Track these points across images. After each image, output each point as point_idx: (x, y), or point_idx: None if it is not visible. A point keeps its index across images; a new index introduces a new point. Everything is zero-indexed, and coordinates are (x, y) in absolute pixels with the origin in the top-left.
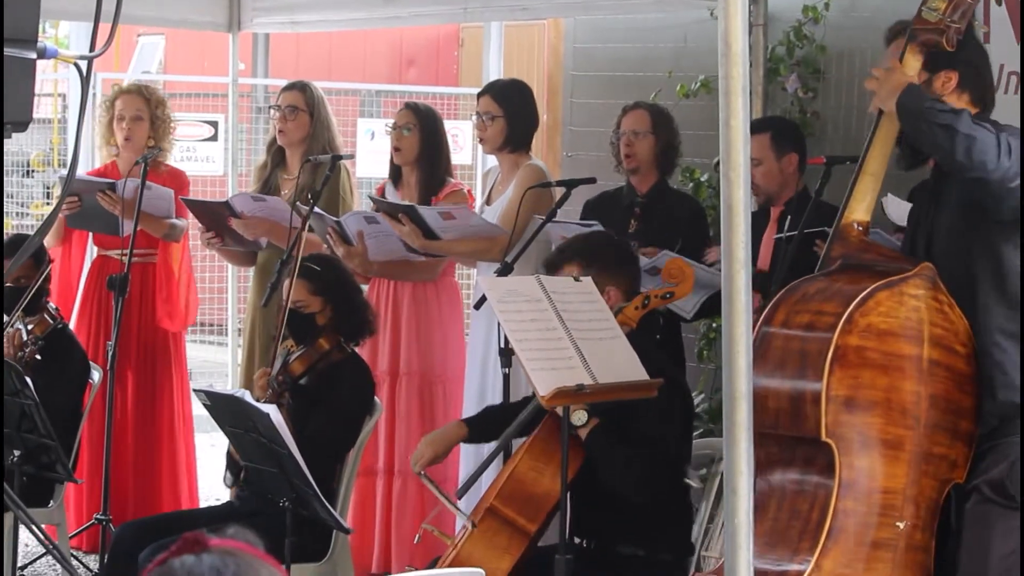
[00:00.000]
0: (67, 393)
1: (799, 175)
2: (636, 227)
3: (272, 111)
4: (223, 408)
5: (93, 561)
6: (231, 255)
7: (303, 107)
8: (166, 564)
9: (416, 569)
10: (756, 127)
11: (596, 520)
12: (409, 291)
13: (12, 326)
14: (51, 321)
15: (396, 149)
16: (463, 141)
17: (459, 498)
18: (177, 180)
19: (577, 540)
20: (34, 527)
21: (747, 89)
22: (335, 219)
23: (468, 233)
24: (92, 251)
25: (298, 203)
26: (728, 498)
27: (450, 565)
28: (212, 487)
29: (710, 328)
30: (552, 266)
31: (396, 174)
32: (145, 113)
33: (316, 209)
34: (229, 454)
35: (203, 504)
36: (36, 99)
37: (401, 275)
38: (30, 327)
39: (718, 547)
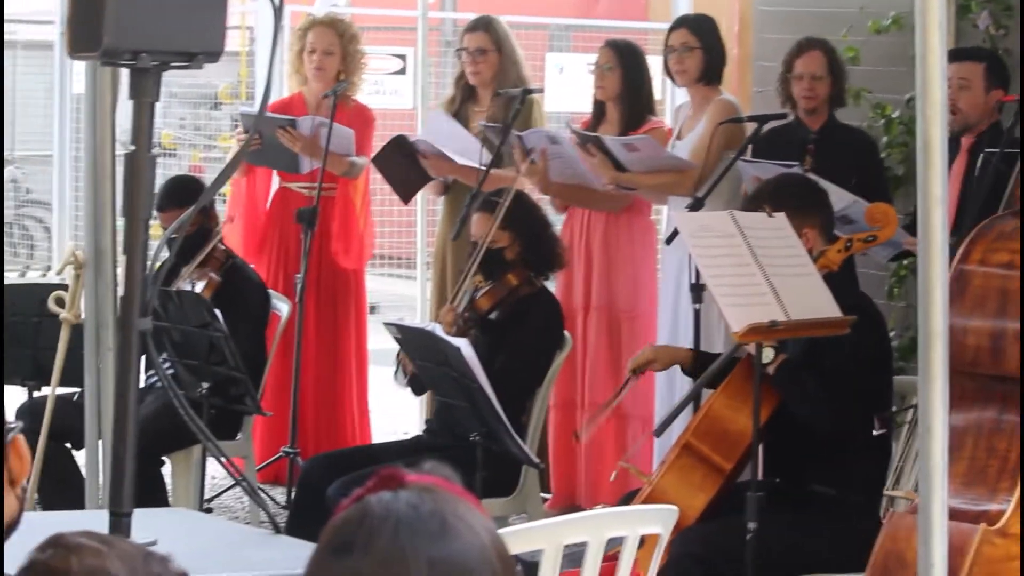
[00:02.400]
0: (249, 328)
1: (997, 112)
2: (810, 164)
3: (460, 53)
4: (414, 342)
5: (279, 494)
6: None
7: (490, 47)
8: (362, 500)
9: (608, 506)
10: (972, 55)
11: (790, 458)
12: (602, 226)
13: (183, 280)
14: (218, 277)
15: (599, 87)
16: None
17: (657, 436)
18: (363, 116)
19: (768, 477)
20: (223, 459)
21: (944, 25)
22: (518, 134)
23: (656, 166)
24: (275, 182)
25: (487, 127)
26: (923, 437)
27: (644, 502)
28: (398, 421)
29: (901, 265)
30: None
31: (599, 110)
32: (337, 48)
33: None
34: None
35: (382, 439)
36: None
37: (580, 200)
38: (199, 288)
39: (910, 484)
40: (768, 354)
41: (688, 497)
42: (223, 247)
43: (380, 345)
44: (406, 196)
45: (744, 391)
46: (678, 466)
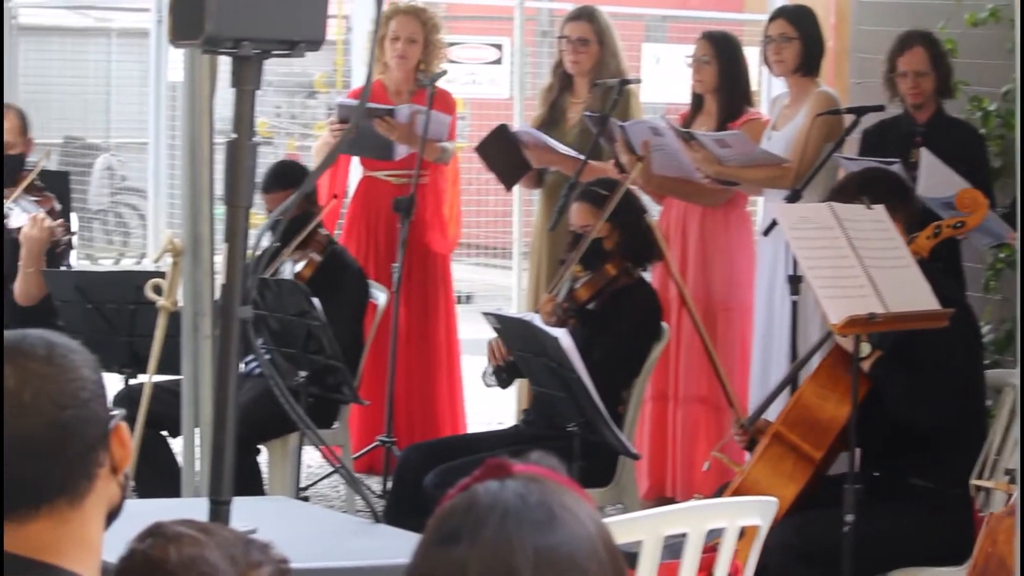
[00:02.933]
0: (347, 313)
1: None
2: (917, 157)
3: (561, 41)
4: (513, 331)
5: (374, 483)
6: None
7: (592, 37)
8: (469, 490)
9: (703, 496)
10: None
11: (886, 450)
12: (698, 218)
13: (280, 269)
14: (319, 257)
15: (697, 80)
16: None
17: (749, 426)
18: (446, 102)
19: (866, 471)
20: (323, 447)
21: None
22: (621, 124)
23: (751, 161)
24: (358, 171)
25: (588, 117)
26: (1022, 428)
27: (735, 492)
28: (493, 411)
29: (997, 259)
30: None
31: (697, 102)
32: (419, 36)
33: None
34: (489, 346)
35: (476, 428)
36: None
37: (684, 194)
38: (299, 268)
39: (998, 475)
40: (864, 348)
41: (779, 487)
42: (324, 232)
43: (475, 335)
44: (508, 183)
45: (833, 379)
46: (768, 456)
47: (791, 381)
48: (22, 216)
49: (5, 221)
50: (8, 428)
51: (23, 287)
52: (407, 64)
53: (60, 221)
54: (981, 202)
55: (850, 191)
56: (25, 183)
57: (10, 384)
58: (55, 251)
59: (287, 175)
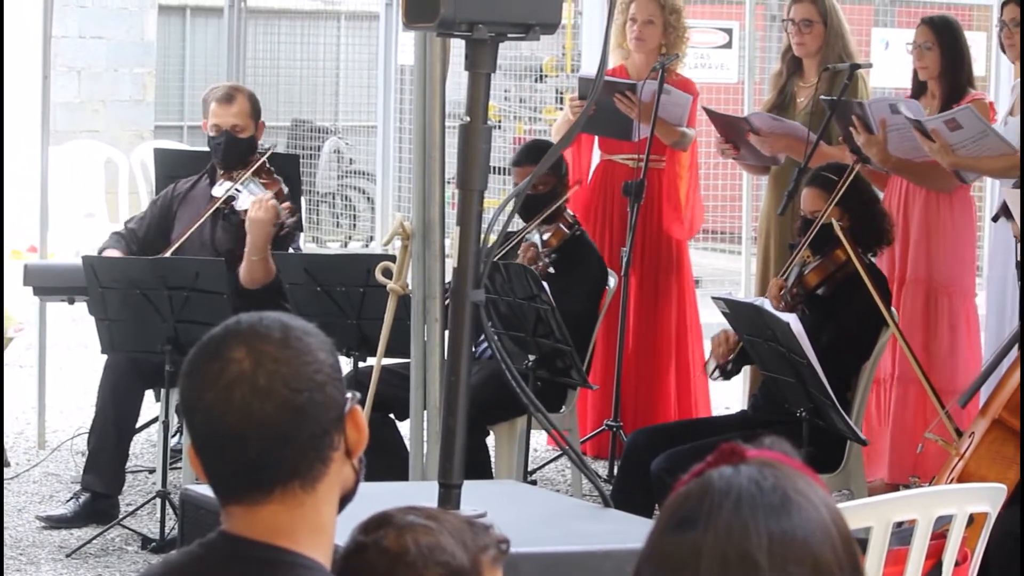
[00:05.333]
0: (583, 300)
1: None
2: None
3: (787, 24)
4: (742, 316)
5: (600, 467)
6: (746, 164)
7: (816, 19)
8: (704, 475)
9: (919, 480)
10: None
11: None
12: (921, 200)
13: (526, 239)
14: (567, 231)
15: (921, 67)
16: (976, 52)
17: (962, 407)
18: (687, 89)
19: None
20: (553, 431)
21: None
22: (859, 101)
23: (985, 149)
24: (596, 155)
25: (824, 99)
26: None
27: (958, 477)
28: (718, 396)
29: None
30: None
31: (920, 88)
32: (658, 19)
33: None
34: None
35: (715, 413)
36: None
37: (918, 178)
38: (545, 237)
39: None
40: None
41: (1001, 470)
42: (571, 213)
43: (703, 319)
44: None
45: None
46: (989, 440)
47: (996, 366)
48: (248, 199)
49: (233, 203)
50: (242, 412)
51: (248, 273)
52: (645, 46)
53: (287, 204)
54: None
55: None
56: (255, 166)
57: (245, 367)
58: (279, 234)
59: (539, 150)
